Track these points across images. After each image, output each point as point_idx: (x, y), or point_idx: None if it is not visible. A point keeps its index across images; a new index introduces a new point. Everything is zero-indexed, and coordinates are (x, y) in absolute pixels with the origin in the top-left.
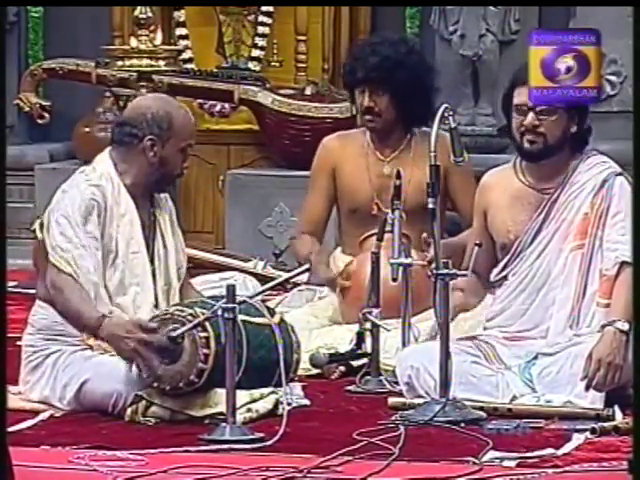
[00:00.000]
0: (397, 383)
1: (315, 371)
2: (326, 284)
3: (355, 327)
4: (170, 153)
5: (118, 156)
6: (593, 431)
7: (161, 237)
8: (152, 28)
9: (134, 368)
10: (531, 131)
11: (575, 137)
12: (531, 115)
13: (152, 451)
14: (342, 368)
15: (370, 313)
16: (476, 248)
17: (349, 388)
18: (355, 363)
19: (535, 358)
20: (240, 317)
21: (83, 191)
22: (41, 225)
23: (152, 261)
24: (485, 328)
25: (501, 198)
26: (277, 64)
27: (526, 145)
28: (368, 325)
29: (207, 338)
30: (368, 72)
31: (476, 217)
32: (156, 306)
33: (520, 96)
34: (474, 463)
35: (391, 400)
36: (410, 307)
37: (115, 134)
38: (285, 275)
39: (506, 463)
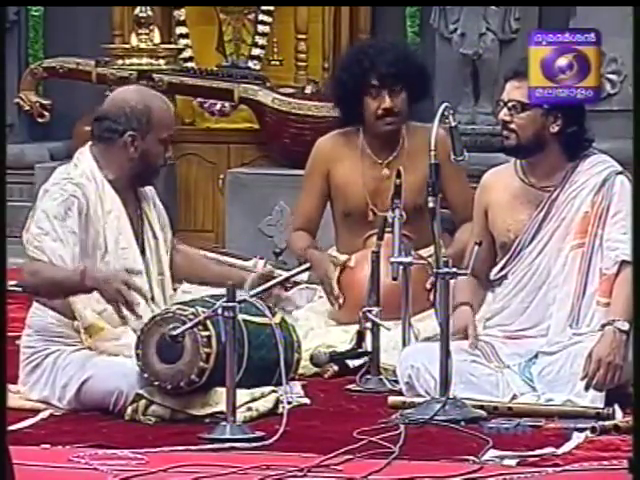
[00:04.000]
0: (397, 382)
1: (315, 370)
2: (324, 276)
3: (353, 327)
4: (151, 146)
5: (99, 151)
6: (593, 430)
7: (150, 228)
8: (152, 27)
9: (132, 364)
10: (504, 127)
11: (562, 138)
12: (504, 110)
13: (152, 450)
14: (335, 367)
15: (370, 312)
16: (476, 247)
17: (349, 387)
18: (351, 362)
19: (535, 357)
20: (241, 316)
21: (63, 187)
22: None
23: (143, 253)
24: (485, 327)
25: (501, 197)
26: (277, 63)
27: (504, 140)
28: (368, 324)
29: (209, 337)
30: (387, 68)
31: (477, 216)
32: (152, 298)
33: (504, 91)
34: (474, 462)
35: (391, 399)
36: (410, 306)
37: (95, 129)
38: (285, 274)
39: (506, 462)
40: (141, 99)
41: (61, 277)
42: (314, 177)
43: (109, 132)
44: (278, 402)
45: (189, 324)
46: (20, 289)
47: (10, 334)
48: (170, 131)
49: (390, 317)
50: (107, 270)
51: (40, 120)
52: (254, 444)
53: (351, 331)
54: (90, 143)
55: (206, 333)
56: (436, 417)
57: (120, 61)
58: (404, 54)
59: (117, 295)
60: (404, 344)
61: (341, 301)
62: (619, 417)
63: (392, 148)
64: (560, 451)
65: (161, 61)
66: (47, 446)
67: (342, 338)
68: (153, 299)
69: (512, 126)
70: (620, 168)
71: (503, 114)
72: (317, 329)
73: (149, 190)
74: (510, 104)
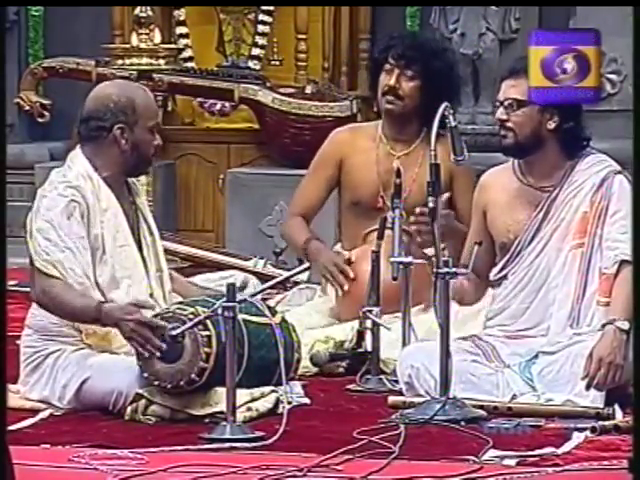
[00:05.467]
0: (397, 382)
1: (315, 370)
2: (326, 269)
3: (354, 324)
4: (140, 136)
5: (91, 152)
6: (593, 430)
7: (145, 224)
8: (152, 27)
9: (133, 363)
10: (501, 126)
11: (559, 135)
12: (500, 109)
13: (152, 450)
14: (344, 364)
15: (370, 312)
16: (476, 247)
17: (349, 387)
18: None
19: (535, 357)
20: (241, 316)
21: (62, 193)
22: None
23: (140, 249)
24: (485, 327)
25: (500, 197)
26: (277, 63)
27: (502, 140)
28: (368, 324)
29: (209, 337)
30: (404, 50)
31: (475, 216)
32: (151, 295)
33: (499, 91)
34: (474, 462)
35: (391, 399)
36: (410, 306)
37: (82, 131)
38: (285, 274)
39: (506, 462)
40: (122, 92)
41: (75, 307)
42: (325, 165)
43: (97, 130)
44: (278, 402)
45: (189, 324)
46: (20, 289)
47: (10, 334)
48: (156, 119)
49: (390, 311)
50: (121, 305)
51: (40, 120)
52: (254, 444)
53: (353, 326)
54: (80, 145)
55: (206, 333)
56: (436, 417)
57: (120, 61)
58: (433, 48)
59: (133, 335)
60: (404, 344)
61: (346, 287)
62: (619, 417)
63: (409, 142)
64: (560, 451)
65: (161, 61)
66: (47, 446)
67: (344, 332)
68: (152, 296)
69: (509, 124)
70: (618, 167)
71: (500, 113)
72: (318, 327)
73: (139, 186)
74: (506, 102)
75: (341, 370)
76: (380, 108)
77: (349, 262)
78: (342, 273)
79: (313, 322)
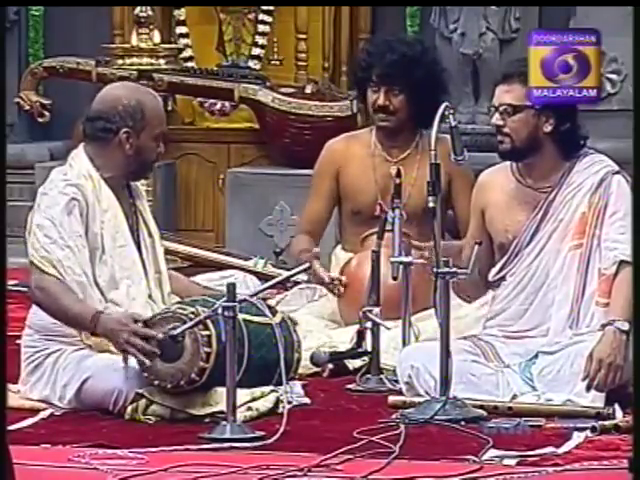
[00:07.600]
0: (397, 382)
1: (315, 370)
2: (323, 285)
3: (355, 328)
4: (145, 142)
5: (94, 151)
6: (593, 429)
7: (145, 226)
8: (152, 27)
9: (133, 363)
10: (498, 131)
11: (556, 137)
12: (496, 115)
13: (152, 449)
14: (331, 366)
15: (370, 312)
16: (476, 247)
17: (349, 387)
18: (350, 365)
19: (535, 357)
20: (241, 316)
21: (62, 191)
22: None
23: (140, 251)
24: (485, 327)
25: (498, 197)
26: (277, 62)
27: (499, 145)
28: (368, 324)
29: (209, 337)
30: (385, 69)
31: (474, 216)
32: (150, 296)
33: (494, 96)
34: (474, 462)
35: (391, 399)
36: (410, 306)
37: (88, 129)
38: (285, 273)
39: (506, 462)
40: (133, 96)
41: (73, 311)
42: (323, 179)
43: (103, 132)
44: (278, 402)
45: (189, 323)
46: (20, 289)
47: (10, 334)
48: (163, 127)
49: (390, 317)
50: (117, 316)
51: (40, 120)
52: (254, 444)
53: (351, 331)
54: (83, 143)
55: (206, 332)
56: (436, 417)
57: (120, 61)
58: (411, 58)
59: (127, 346)
60: (404, 344)
61: (342, 290)
62: (619, 417)
63: (404, 147)
64: (560, 451)
65: (161, 61)
66: (47, 446)
67: (342, 338)
68: (151, 297)
69: (505, 130)
70: (617, 167)
71: (495, 119)
72: (317, 333)
73: (141, 189)
74: (501, 108)
75: (327, 373)
76: (373, 122)
77: (344, 266)
78: (327, 285)
79: (311, 328)
